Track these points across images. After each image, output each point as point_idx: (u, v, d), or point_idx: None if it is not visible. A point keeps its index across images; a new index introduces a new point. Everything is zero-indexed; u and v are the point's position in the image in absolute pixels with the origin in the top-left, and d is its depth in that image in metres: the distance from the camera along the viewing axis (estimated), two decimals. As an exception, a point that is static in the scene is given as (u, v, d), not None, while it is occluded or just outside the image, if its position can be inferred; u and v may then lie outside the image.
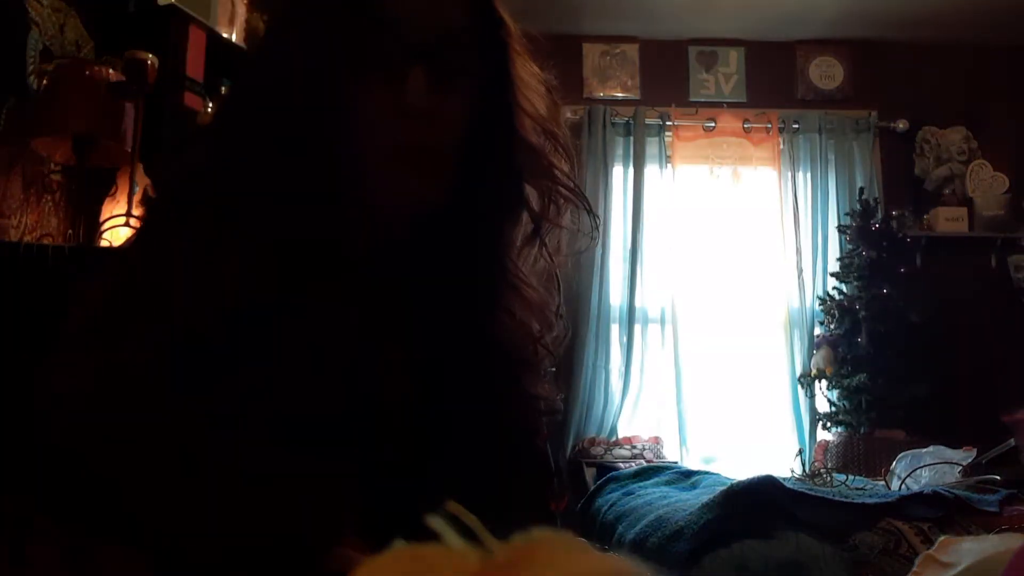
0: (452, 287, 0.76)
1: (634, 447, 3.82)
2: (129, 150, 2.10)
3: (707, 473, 3.05)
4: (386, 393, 0.71)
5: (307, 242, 0.69)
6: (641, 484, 2.95)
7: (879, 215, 3.87)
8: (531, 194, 0.79)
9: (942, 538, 1.71)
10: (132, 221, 2.02)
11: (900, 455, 2.94)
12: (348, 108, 0.71)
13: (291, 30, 0.76)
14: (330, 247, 0.71)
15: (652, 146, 4.19)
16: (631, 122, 4.16)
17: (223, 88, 2.46)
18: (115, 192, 2.29)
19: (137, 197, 2.08)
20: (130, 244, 0.76)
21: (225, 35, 2.60)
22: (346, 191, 0.72)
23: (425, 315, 0.76)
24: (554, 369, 0.84)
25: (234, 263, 0.67)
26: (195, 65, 2.41)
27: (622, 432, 3.92)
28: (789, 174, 4.19)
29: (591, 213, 0.82)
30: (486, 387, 0.75)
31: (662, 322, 4.06)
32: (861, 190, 3.98)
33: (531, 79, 0.79)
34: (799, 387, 3.98)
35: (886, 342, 3.64)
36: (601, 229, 4.02)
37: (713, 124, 4.20)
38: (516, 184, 0.78)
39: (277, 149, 0.71)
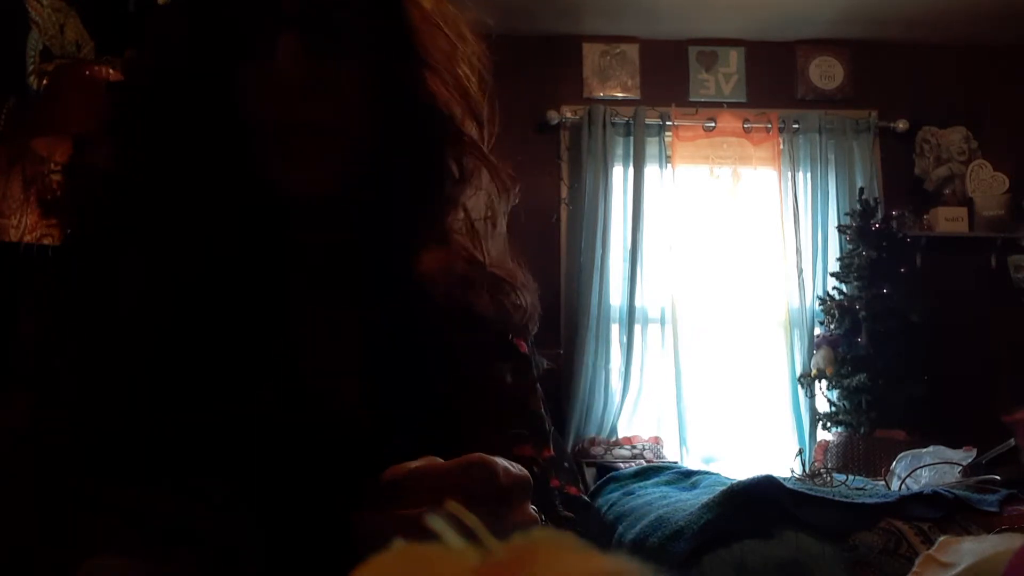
0: (375, 265, 0.72)
1: (634, 447, 3.82)
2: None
3: (707, 473, 3.05)
4: (332, 389, 0.68)
5: (219, 233, 0.66)
6: (641, 484, 2.95)
7: (879, 215, 3.87)
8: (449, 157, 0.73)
9: (942, 538, 1.71)
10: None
11: (900, 455, 2.94)
12: (225, 87, 0.65)
13: (169, 12, 0.72)
14: (242, 235, 0.67)
15: (652, 146, 4.18)
16: (631, 122, 4.16)
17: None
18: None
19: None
20: (56, 255, 0.72)
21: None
22: (237, 175, 0.67)
23: (352, 298, 0.72)
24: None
25: (147, 264, 0.65)
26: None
27: (622, 432, 3.92)
28: (789, 174, 4.19)
29: (502, 173, 0.76)
30: (424, 367, 0.70)
31: (662, 322, 4.06)
32: (861, 190, 3.98)
33: (429, 25, 0.71)
34: (799, 387, 3.98)
35: (886, 342, 3.64)
36: (601, 229, 4.03)
37: (713, 124, 4.19)
38: (421, 149, 0.72)
39: (167, 138, 0.67)
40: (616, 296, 4.06)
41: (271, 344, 0.68)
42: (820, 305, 3.97)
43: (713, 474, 3.02)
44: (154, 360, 0.64)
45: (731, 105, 4.26)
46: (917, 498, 2.25)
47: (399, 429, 0.67)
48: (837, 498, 2.26)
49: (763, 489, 2.22)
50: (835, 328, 3.82)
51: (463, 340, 0.72)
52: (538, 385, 0.79)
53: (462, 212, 0.74)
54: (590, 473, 3.64)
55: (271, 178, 0.67)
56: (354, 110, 0.68)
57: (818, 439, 3.89)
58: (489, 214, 0.76)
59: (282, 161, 0.66)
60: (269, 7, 0.64)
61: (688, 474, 3.03)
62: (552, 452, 0.77)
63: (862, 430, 3.64)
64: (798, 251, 4.11)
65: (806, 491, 2.30)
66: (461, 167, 0.73)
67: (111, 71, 2.09)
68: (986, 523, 2.13)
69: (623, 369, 3.97)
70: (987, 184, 4.16)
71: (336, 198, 0.70)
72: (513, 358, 0.77)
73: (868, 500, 2.25)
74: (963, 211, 4.11)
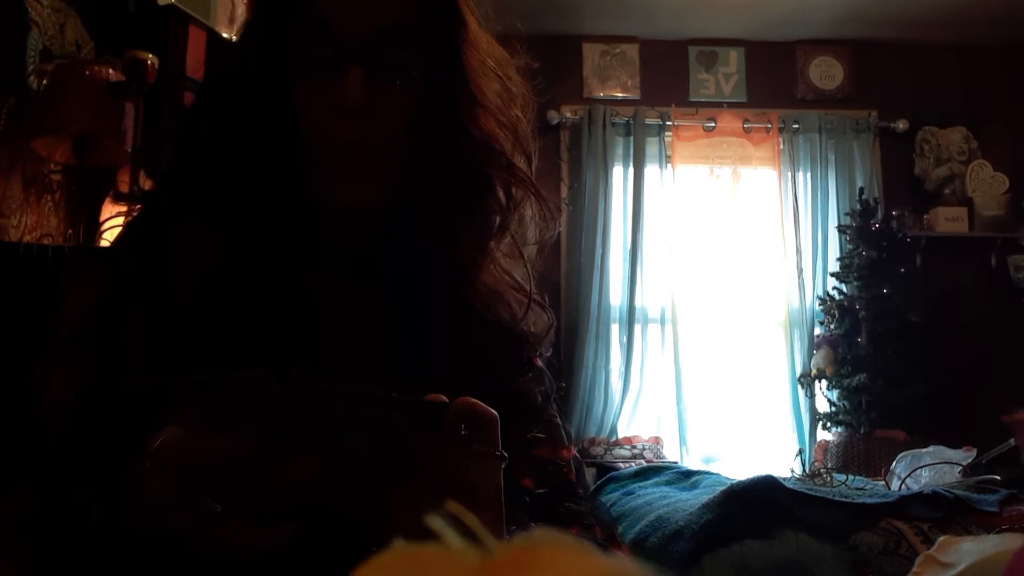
0: (417, 285, 0.77)
1: (634, 447, 3.82)
2: (129, 150, 2.10)
3: (707, 473, 3.04)
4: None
5: (270, 241, 0.72)
6: (641, 484, 2.94)
7: (879, 215, 3.87)
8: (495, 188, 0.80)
9: (942, 538, 1.70)
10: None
11: (900, 455, 2.93)
12: (289, 110, 0.72)
13: (243, 37, 0.78)
14: (292, 247, 0.74)
15: (652, 146, 4.19)
16: (631, 122, 4.16)
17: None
18: (114, 192, 2.30)
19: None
20: (116, 243, 0.77)
21: (225, 35, 2.60)
22: (295, 191, 0.73)
23: (392, 316, 0.76)
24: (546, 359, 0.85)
25: (204, 263, 0.70)
26: (195, 65, 2.41)
27: (622, 432, 3.92)
28: (789, 174, 4.20)
29: (548, 203, 0.84)
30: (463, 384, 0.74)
31: (662, 322, 4.07)
32: (861, 190, 3.98)
33: (486, 69, 0.78)
34: (799, 387, 3.98)
35: (886, 342, 3.64)
36: (601, 229, 4.03)
37: (713, 124, 4.20)
38: (473, 178, 0.78)
39: (231, 152, 0.73)
40: (616, 296, 4.06)
41: (299, 359, 0.70)
42: (820, 305, 3.97)
43: (713, 474, 3.01)
44: (188, 358, 0.66)
45: (731, 105, 4.26)
46: (917, 498, 2.25)
47: None
48: (837, 498, 2.26)
49: (763, 489, 2.21)
50: (835, 328, 3.82)
51: (491, 351, 0.77)
52: (552, 398, 0.84)
53: (508, 238, 0.80)
54: (590, 473, 3.63)
55: (325, 195, 0.73)
56: (407, 136, 0.74)
57: (818, 439, 3.89)
58: (534, 241, 0.83)
59: (337, 178, 0.72)
60: (336, 42, 0.70)
61: (688, 474, 3.02)
62: (571, 453, 0.82)
63: (862, 430, 3.64)
64: (798, 251, 4.11)
65: (806, 491, 2.29)
66: (510, 195, 0.80)
67: (111, 71, 2.09)
68: (986, 523, 2.12)
69: (623, 369, 3.97)
70: (987, 184, 4.16)
71: (383, 217, 0.75)
72: (532, 371, 0.83)
73: (868, 500, 2.25)
74: (963, 211, 4.12)
